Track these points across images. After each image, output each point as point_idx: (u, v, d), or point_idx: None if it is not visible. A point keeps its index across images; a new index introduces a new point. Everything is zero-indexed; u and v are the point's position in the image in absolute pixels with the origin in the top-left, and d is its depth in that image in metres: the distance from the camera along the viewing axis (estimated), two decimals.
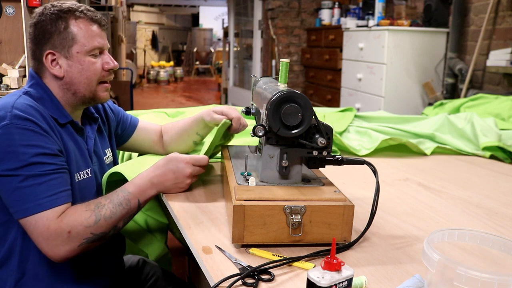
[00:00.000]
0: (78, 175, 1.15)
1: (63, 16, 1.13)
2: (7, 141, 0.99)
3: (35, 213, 1.00)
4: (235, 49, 7.32)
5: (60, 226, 1.00)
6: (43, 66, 1.15)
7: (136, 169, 1.24)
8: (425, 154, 1.85)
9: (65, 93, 1.17)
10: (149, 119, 1.72)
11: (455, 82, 3.44)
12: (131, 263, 1.46)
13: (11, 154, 0.99)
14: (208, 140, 1.39)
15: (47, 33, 1.13)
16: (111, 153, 1.35)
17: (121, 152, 1.75)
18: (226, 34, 7.89)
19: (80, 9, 1.16)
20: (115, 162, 1.37)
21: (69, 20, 1.14)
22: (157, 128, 1.50)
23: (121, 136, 1.44)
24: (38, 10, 1.16)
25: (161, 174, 1.15)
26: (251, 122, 1.31)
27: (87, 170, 1.18)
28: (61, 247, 1.01)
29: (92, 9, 1.19)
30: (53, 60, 1.14)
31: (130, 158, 1.61)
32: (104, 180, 1.23)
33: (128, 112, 1.80)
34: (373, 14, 3.90)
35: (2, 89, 3.17)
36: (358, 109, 3.75)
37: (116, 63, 1.21)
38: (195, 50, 15.52)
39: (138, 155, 1.51)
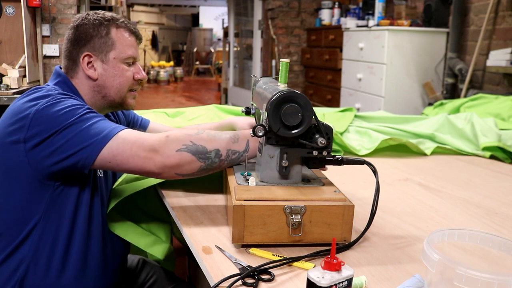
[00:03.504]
0: (99, 171, 1.21)
1: (105, 23, 1.20)
2: (60, 106, 1.03)
3: (116, 134, 1.01)
4: (235, 49, 7.31)
5: (158, 135, 1.02)
6: (78, 67, 1.20)
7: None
8: (425, 154, 1.85)
9: (95, 95, 1.21)
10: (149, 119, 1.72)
11: (455, 82, 3.44)
12: (131, 263, 1.46)
13: (67, 113, 1.02)
14: None
15: (88, 36, 1.19)
16: None
17: None
18: (226, 34, 7.89)
19: (121, 20, 1.23)
20: None
21: (111, 27, 1.20)
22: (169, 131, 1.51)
23: None
24: (81, 14, 1.23)
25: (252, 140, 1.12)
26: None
27: (101, 170, 1.21)
28: (158, 150, 0.99)
29: (131, 22, 1.27)
30: (89, 62, 1.19)
31: None
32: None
33: None
34: (373, 14, 3.90)
35: (2, 89, 3.17)
36: (358, 109, 3.75)
37: (145, 74, 1.27)
38: (195, 50, 15.51)
39: None
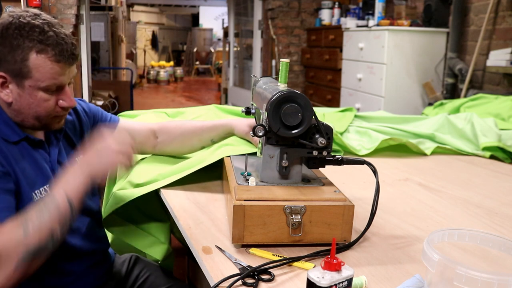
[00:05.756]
0: (36, 193, 1.06)
1: (24, 45, 1.00)
2: None
3: None
4: (235, 49, 7.31)
5: None
6: None
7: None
8: (425, 154, 1.85)
9: (14, 117, 1.08)
10: (149, 119, 1.72)
11: (455, 82, 3.44)
12: (123, 259, 1.43)
13: None
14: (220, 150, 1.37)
15: (3, 55, 1.02)
16: None
17: None
18: (226, 34, 7.89)
19: (47, 42, 1.01)
20: None
21: (30, 52, 1.01)
22: (144, 128, 1.41)
23: None
24: (5, 20, 1.02)
25: (83, 159, 1.03)
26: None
27: (45, 186, 1.09)
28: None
29: (63, 41, 1.04)
30: (3, 83, 1.04)
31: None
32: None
33: (128, 112, 1.79)
34: (373, 14, 3.90)
35: None
36: (358, 109, 3.75)
37: (73, 102, 1.09)
38: (195, 50, 15.51)
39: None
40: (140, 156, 1.49)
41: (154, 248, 1.35)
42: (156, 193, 1.35)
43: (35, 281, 1.11)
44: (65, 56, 1.04)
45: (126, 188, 1.29)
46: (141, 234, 1.35)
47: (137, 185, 1.28)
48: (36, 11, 1.05)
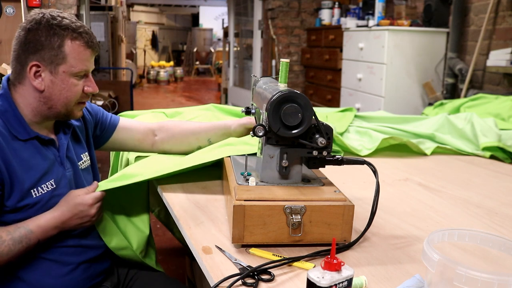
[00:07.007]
0: (37, 190, 1.14)
1: (60, 33, 1.12)
2: None
3: None
4: (235, 49, 7.31)
5: None
6: (25, 73, 1.14)
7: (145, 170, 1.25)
8: (425, 154, 1.85)
9: (40, 105, 1.16)
10: (147, 120, 1.72)
11: (455, 82, 3.44)
12: (126, 263, 1.40)
13: None
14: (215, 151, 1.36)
15: (39, 44, 1.12)
16: (88, 157, 1.33)
17: (114, 153, 1.73)
18: (226, 34, 7.89)
19: (79, 31, 1.14)
20: (93, 166, 1.36)
21: (65, 39, 1.13)
22: (143, 127, 1.47)
23: (100, 137, 1.41)
24: (36, 16, 1.14)
25: (66, 220, 1.15)
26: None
27: (51, 181, 1.17)
28: None
29: (89, 31, 1.18)
30: (36, 72, 1.13)
31: (127, 161, 1.58)
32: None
33: (128, 113, 1.80)
34: (373, 14, 3.90)
35: None
36: (358, 109, 3.75)
37: (97, 88, 1.22)
38: (195, 50, 15.51)
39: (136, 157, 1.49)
40: (136, 154, 1.50)
41: (126, 251, 1.30)
42: (148, 188, 1.35)
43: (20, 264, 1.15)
44: (93, 43, 1.18)
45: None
46: (116, 233, 1.30)
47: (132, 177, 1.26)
48: (60, 10, 1.20)
